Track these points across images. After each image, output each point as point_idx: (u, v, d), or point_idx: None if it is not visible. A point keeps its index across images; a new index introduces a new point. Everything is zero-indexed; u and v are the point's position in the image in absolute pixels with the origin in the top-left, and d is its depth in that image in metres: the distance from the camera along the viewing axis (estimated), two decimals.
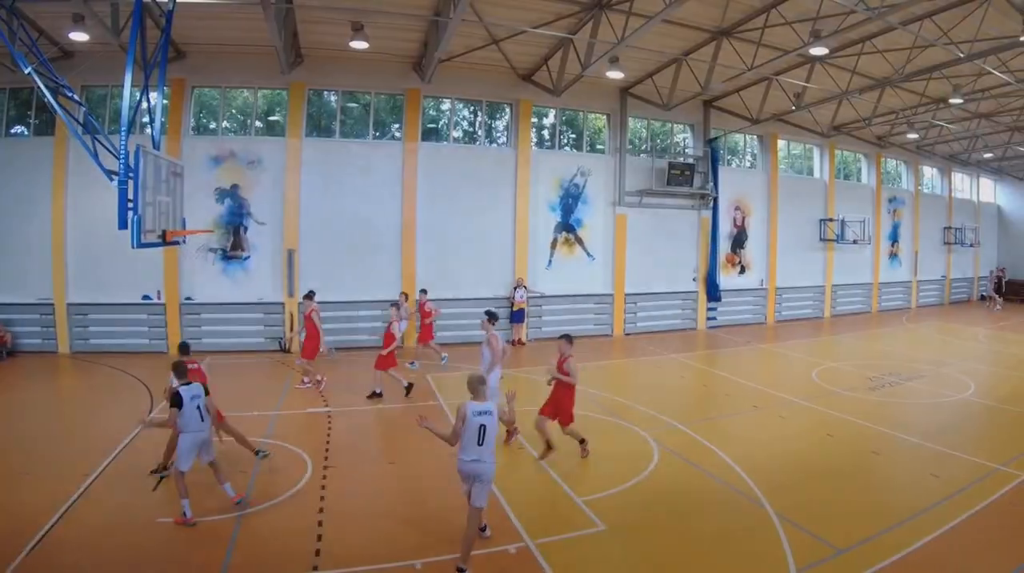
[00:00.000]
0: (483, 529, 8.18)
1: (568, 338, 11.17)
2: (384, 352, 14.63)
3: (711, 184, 26.58)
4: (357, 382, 16.15)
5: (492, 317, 12.80)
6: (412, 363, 17.78)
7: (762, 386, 17.45)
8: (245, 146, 20.02)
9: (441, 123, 23.13)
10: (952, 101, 22.50)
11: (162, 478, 9.91)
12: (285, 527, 8.53)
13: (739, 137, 29.07)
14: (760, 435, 13.25)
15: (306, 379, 15.52)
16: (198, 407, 8.73)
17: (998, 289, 36.79)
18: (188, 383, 9.01)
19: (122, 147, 9.36)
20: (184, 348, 11.21)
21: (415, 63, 21.27)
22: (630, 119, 25.55)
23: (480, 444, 7.55)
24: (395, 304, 16.24)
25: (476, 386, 7.89)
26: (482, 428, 7.54)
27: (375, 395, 14.64)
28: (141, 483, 9.75)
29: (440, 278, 21.81)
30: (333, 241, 20.79)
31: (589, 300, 24.88)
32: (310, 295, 15.57)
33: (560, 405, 10.84)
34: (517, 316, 22.51)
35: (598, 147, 25.29)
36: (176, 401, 8.65)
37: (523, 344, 22.59)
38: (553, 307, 23.75)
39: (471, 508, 7.56)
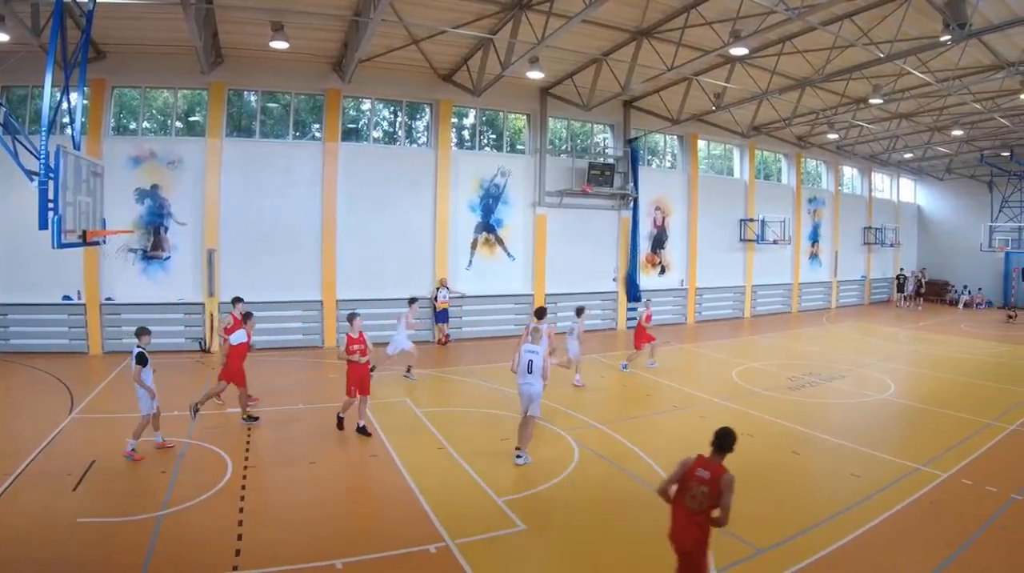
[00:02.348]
0: (518, 454, 12.12)
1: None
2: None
3: (631, 184, 29.67)
4: (277, 382, 17.81)
5: (578, 311, 19.14)
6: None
7: (682, 386, 18.91)
8: (165, 146, 21.98)
9: (361, 123, 25.66)
10: (872, 101, 24.77)
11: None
12: (206, 527, 9.30)
13: (659, 137, 32.47)
14: (680, 435, 14.30)
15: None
16: None
17: (918, 290, 39.77)
18: None
19: (42, 147, 10.21)
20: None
21: (335, 63, 23.43)
22: (550, 119, 28.49)
23: (529, 373, 12.17)
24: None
25: (533, 333, 12.63)
26: (530, 362, 12.20)
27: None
28: (62, 483, 10.53)
29: (361, 278, 24.17)
30: (254, 241, 22.84)
31: (509, 300, 27.54)
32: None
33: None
34: (441, 316, 25.19)
35: (518, 147, 28.29)
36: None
37: (446, 344, 25.08)
38: (474, 307, 26.57)
39: (527, 417, 12.18)
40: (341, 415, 13.85)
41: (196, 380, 18.27)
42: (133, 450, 11.64)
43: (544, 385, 12.42)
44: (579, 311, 19.07)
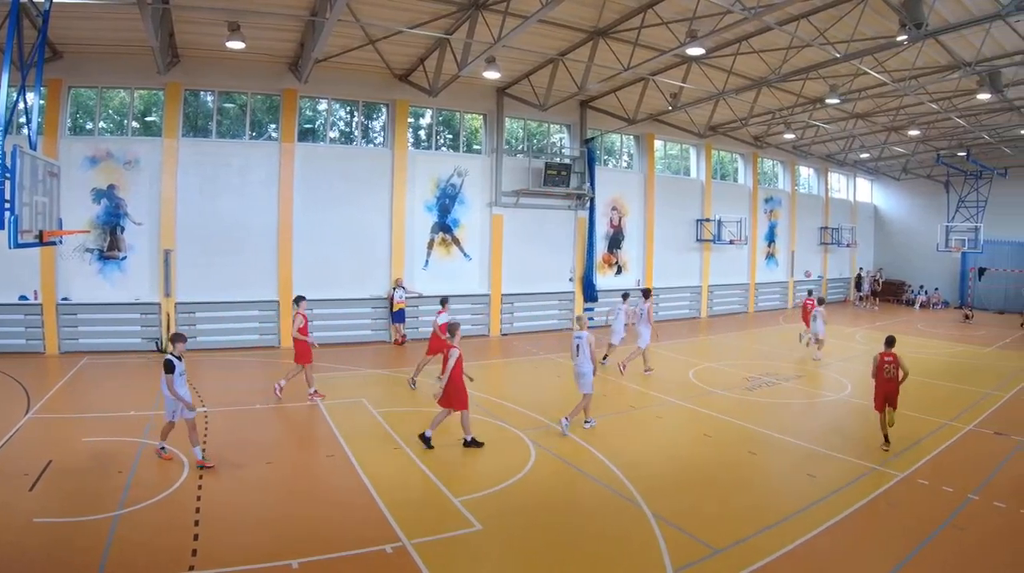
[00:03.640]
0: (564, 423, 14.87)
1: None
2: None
3: (588, 184, 31.31)
4: (234, 383, 18.58)
5: (646, 294, 22.73)
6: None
7: (639, 386, 19.64)
8: (122, 146, 23.06)
9: (318, 123, 27.06)
10: (829, 101, 25.91)
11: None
12: (162, 527, 9.68)
13: (616, 137, 34.29)
14: (637, 435, 15.13)
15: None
16: None
17: (874, 290, 41.25)
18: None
19: None
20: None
21: (292, 64, 24.61)
22: (507, 119, 30.05)
23: (577, 355, 15.16)
24: (445, 300, 20.03)
25: (579, 321, 16.19)
26: (578, 346, 15.11)
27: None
28: (19, 483, 10.94)
29: (317, 278, 25.31)
30: (210, 241, 24.02)
31: (466, 300, 28.87)
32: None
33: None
34: (398, 316, 26.54)
35: (475, 147, 29.89)
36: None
37: (402, 344, 26.39)
38: (430, 307, 26.75)
39: (583, 395, 15.07)
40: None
41: (153, 380, 18.58)
42: (163, 448, 12.50)
43: (593, 367, 15.21)
44: (646, 294, 22.72)
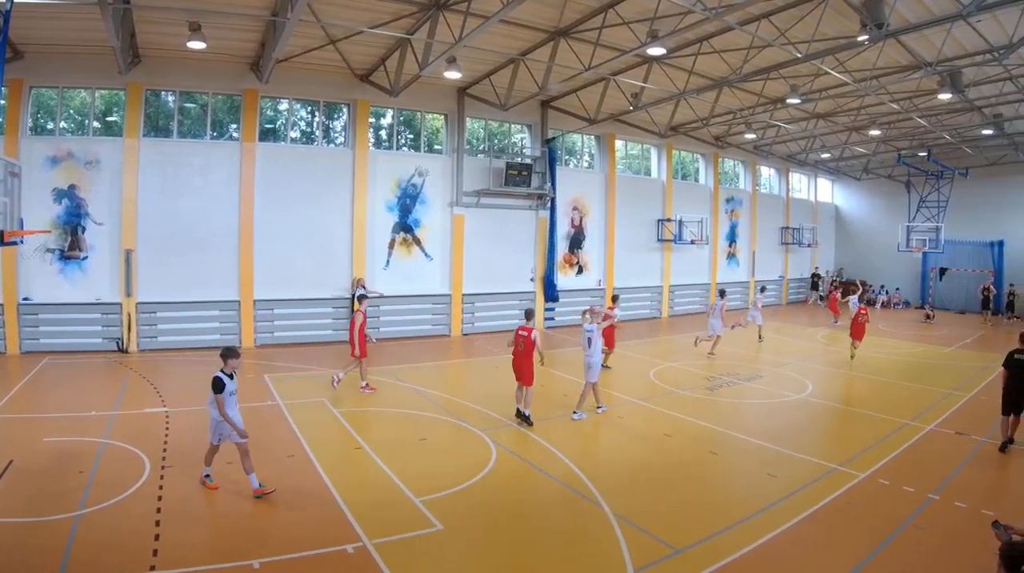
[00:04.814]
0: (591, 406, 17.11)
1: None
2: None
3: (549, 184, 32.65)
4: (195, 383, 18.67)
5: (721, 293, 26.37)
6: None
7: (600, 386, 19.29)
8: (83, 146, 23.87)
9: (279, 123, 28.11)
10: (790, 101, 26.85)
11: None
12: (123, 527, 9.84)
13: (577, 137, 35.64)
14: (598, 435, 15.62)
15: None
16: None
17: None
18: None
19: None
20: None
21: (253, 64, 25.57)
22: (468, 119, 31.28)
23: (589, 347, 16.59)
24: (724, 293, 22.84)
25: (589, 315, 17.05)
26: (589, 339, 16.57)
27: None
28: None
29: (279, 278, 26.45)
30: (171, 241, 24.90)
31: (427, 300, 30.14)
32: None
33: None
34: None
35: (436, 147, 31.10)
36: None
37: None
38: (391, 307, 29.11)
39: (587, 383, 16.62)
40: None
41: (114, 380, 19.92)
42: (207, 477, 11.71)
43: (602, 356, 17.63)
44: (722, 293, 26.41)
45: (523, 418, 15.82)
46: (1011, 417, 14.59)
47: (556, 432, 15.38)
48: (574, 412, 16.54)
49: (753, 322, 29.29)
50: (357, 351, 18.69)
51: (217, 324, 25.44)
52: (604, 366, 20.70)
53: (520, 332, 16.18)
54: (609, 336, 21.14)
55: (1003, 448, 14.47)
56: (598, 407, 16.99)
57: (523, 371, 15.95)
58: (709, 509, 11.15)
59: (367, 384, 18.89)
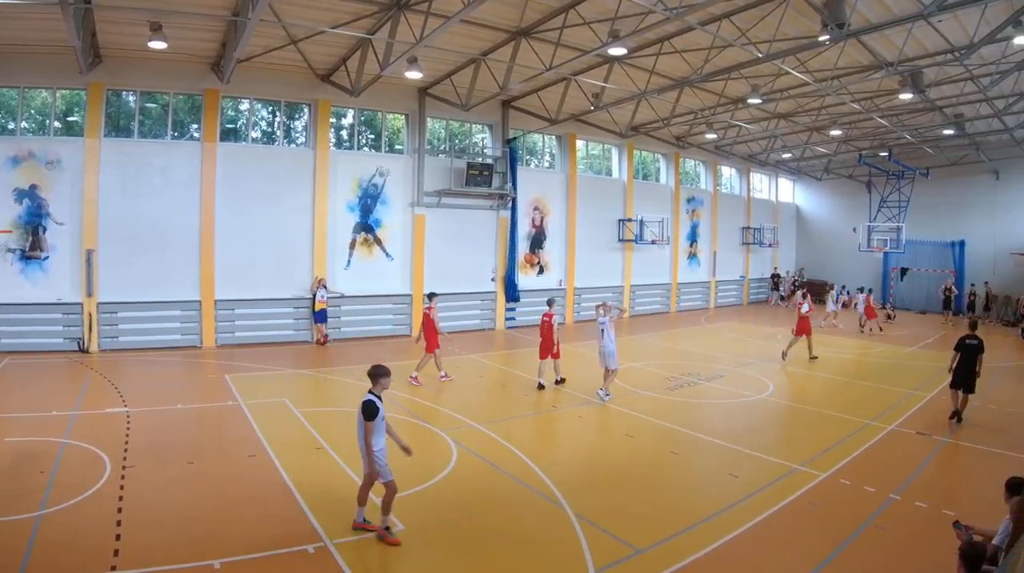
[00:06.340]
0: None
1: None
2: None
3: (510, 184, 33.99)
4: (156, 383, 19.59)
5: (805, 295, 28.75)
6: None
7: (561, 386, 20.73)
8: (44, 146, 24.67)
9: (240, 123, 29.20)
10: (751, 101, 27.80)
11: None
12: (84, 528, 10.04)
13: (538, 137, 37.12)
14: (559, 435, 16.30)
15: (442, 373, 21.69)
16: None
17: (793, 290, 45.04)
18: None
19: None
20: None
21: (214, 64, 26.51)
22: (429, 119, 32.52)
23: (602, 338, 19.10)
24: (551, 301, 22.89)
25: (602, 309, 19.46)
26: (602, 330, 19.14)
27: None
28: None
29: (240, 278, 27.36)
30: (132, 241, 25.73)
31: (388, 300, 31.29)
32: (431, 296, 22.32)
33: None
34: (319, 316, 28.66)
35: (397, 147, 32.37)
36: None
37: (324, 344, 28.37)
38: (352, 307, 30.32)
39: (607, 370, 19.07)
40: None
41: (75, 380, 20.52)
42: (365, 521, 10.42)
43: (614, 347, 19.13)
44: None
45: (559, 382, 20.71)
46: (960, 393, 17.03)
47: (517, 432, 15.90)
48: (601, 389, 19.16)
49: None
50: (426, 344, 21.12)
51: (178, 324, 26.34)
52: (557, 382, 21.07)
53: (544, 318, 20.69)
54: (547, 340, 20.70)
55: (953, 416, 17.02)
56: (602, 390, 19.11)
57: (546, 347, 20.41)
58: (671, 509, 11.49)
59: (445, 374, 21.43)
